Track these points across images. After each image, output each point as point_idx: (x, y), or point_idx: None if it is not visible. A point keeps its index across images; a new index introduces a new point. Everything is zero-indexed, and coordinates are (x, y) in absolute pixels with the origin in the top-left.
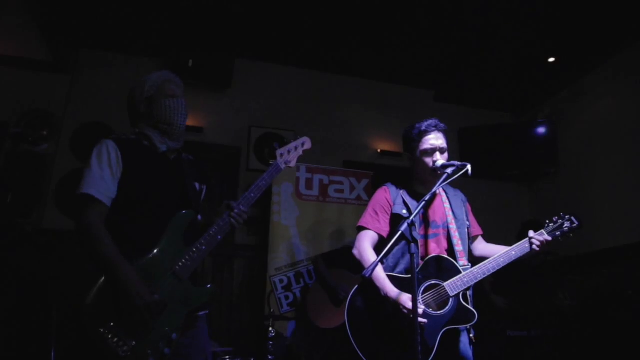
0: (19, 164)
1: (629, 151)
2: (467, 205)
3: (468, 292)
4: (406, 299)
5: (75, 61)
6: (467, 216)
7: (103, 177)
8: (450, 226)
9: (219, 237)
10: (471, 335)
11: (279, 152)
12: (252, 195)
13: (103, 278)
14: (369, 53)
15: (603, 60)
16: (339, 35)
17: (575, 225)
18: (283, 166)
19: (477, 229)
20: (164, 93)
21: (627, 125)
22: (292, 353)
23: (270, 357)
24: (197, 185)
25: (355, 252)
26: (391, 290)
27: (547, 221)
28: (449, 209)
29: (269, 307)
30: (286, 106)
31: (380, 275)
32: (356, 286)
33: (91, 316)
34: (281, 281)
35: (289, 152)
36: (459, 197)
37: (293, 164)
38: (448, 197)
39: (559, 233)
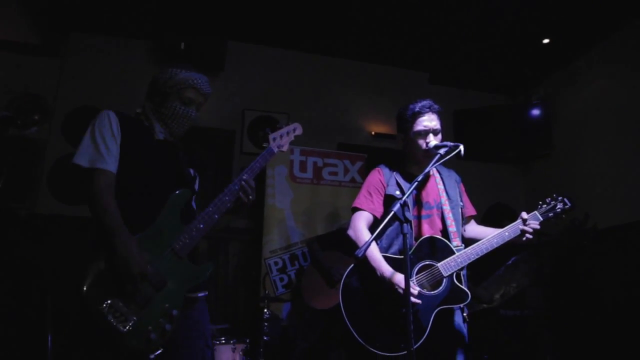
0: (9, 148)
1: (622, 133)
2: (461, 185)
3: (462, 272)
4: (401, 279)
5: (65, 44)
6: (460, 197)
7: (109, 148)
8: (444, 207)
9: (216, 216)
10: (464, 315)
11: (271, 136)
12: (245, 177)
13: (102, 255)
14: (363, 35)
15: (597, 42)
16: (333, 17)
17: (567, 206)
18: (276, 150)
19: (470, 210)
20: (180, 96)
21: (621, 107)
22: (288, 334)
23: (265, 338)
24: (192, 170)
25: (350, 232)
26: (386, 270)
27: (540, 202)
28: (442, 190)
29: (264, 289)
30: (280, 89)
31: (376, 255)
32: (351, 266)
33: (91, 294)
34: (276, 263)
35: (281, 136)
36: (452, 177)
37: (285, 148)
38: (442, 178)
39: (551, 214)
